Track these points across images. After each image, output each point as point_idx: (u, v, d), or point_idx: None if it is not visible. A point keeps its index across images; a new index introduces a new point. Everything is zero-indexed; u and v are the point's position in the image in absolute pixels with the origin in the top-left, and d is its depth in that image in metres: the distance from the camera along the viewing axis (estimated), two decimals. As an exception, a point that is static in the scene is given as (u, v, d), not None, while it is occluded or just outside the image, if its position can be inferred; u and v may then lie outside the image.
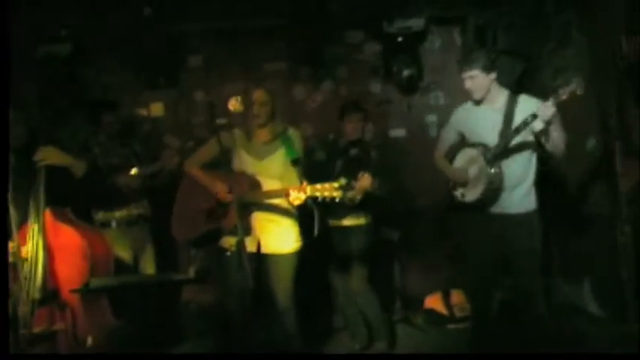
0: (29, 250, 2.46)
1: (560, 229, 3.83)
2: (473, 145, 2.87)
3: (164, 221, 2.92)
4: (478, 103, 2.84)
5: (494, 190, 2.74)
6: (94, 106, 3.54)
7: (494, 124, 2.75)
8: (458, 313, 3.73)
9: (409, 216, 4.08)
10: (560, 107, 2.51)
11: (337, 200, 2.43)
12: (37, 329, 2.40)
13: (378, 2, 3.90)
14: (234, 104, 2.75)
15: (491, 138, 2.75)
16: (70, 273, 2.52)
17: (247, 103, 2.77)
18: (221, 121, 2.75)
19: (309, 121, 4.20)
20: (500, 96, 2.80)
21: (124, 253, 3.28)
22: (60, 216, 2.61)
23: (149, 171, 3.34)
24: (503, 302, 3.33)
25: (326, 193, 2.42)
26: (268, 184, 2.73)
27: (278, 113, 2.85)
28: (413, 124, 4.25)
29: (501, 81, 2.87)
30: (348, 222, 3.34)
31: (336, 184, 2.42)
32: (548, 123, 2.52)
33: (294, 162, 2.66)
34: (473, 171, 2.83)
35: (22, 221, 2.51)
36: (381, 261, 3.75)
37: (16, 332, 2.32)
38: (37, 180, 2.52)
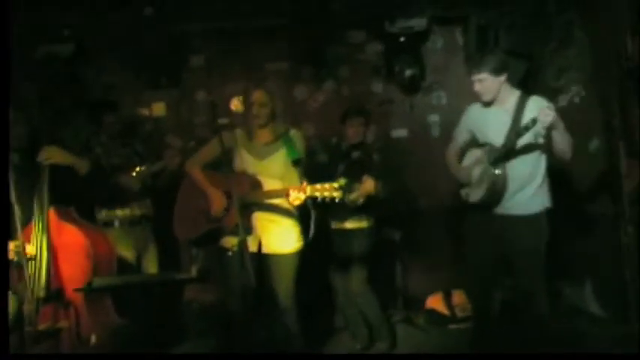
0: (33, 249, 2.47)
1: (563, 230, 3.83)
2: (480, 145, 2.86)
3: (167, 221, 2.93)
4: (488, 104, 2.82)
5: (497, 191, 2.73)
6: (96, 106, 3.55)
7: (502, 125, 2.73)
8: (459, 314, 3.73)
9: (411, 216, 4.08)
10: (563, 109, 2.50)
11: (337, 200, 2.43)
12: (41, 326, 2.42)
13: (380, 2, 3.90)
14: (236, 104, 2.75)
15: (499, 139, 2.73)
16: (74, 272, 2.54)
17: (247, 103, 2.78)
18: (223, 121, 2.76)
19: (310, 121, 4.20)
20: (511, 97, 2.77)
21: (127, 253, 3.29)
22: (64, 215, 2.63)
23: (152, 170, 3.35)
24: (505, 302, 3.34)
25: (326, 193, 2.43)
26: (269, 184, 2.73)
27: (280, 113, 2.85)
28: (415, 124, 4.25)
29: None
30: (350, 225, 3.35)
31: (335, 185, 2.42)
32: (549, 128, 2.49)
33: (295, 162, 2.66)
34: (477, 171, 2.83)
35: (27, 220, 2.52)
36: (383, 261, 3.75)
37: (21, 329, 2.34)
38: (40, 179, 2.53)
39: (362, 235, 3.33)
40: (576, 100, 2.35)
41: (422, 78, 4.11)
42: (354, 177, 3.13)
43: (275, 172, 2.77)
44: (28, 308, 2.39)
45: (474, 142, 2.93)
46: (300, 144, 2.82)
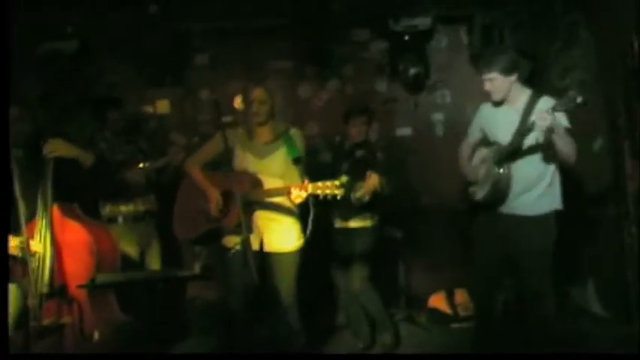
0: (37, 245, 2.48)
1: (567, 231, 3.82)
2: (489, 143, 2.85)
3: (170, 217, 2.94)
4: (499, 103, 2.80)
5: (500, 190, 2.71)
6: (100, 103, 3.57)
7: (511, 125, 2.70)
8: (462, 313, 3.73)
9: (414, 215, 4.08)
10: (568, 109, 2.46)
11: (338, 198, 2.43)
12: (46, 321, 2.43)
13: (383, 1, 3.89)
14: (238, 102, 2.76)
15: (506, 138, 2.71)
16: (77, 268, 2.55)
17: (247, 101, 2.78)
18: (227, 119, 2.75)
19: (315, 119, 4.21)
20: (522, 96, 2.74)
21: (131, 249, 3.31)
22: (67, 212, 2.64)
23: (155, 166, 3.36)
24: (507, 302, 3.33)
25: (327, 191, 2.42)
26: (270, 183, 2.73)
27: (281, 112, 2.86)
28: (419, 122, 4.24)
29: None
30: (354, 224, 3.35)
31: (337, 182, 2.41)
32: (548, 131, 2.45)
33: (296, 161, 2.65)
34: (483, 170, 2.82)
35: (31, 216, 2.53)
36: (385, 260, 3.75)
37: (26, 325, 2.36)
38: (45, 174, 2.52)
39: (365, 234, 3.33)
40: (579, 100, 2.33)
41: (426, 77, 4.11)
42: (358, 175, 3.13)
43: (275, 171, 2.77)
44: (32, 303, 2.40)
45: (485, 141, 2.91)
46: (300, 142, 2.81)
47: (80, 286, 2.49)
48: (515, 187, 2.71)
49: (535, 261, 2.73)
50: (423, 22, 3.89)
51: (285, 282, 2.80)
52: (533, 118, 2.51)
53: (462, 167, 2.98)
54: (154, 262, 3.45)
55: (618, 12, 3.44)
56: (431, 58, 4.11)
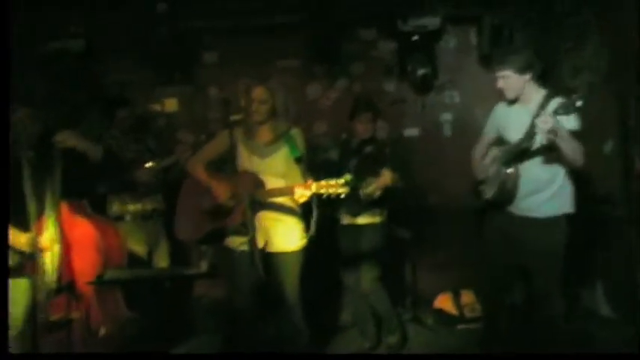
0: (46, 241, 2.50)
1: (576, 232, 3.79)
2: (500, 143, 2.83)
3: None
4: (512, 102, 2.77)
5: (507, 190, 2.70)
6: (108, 101, 3.59)
7: (522, 125, 2.66)
8: (468, 314, 3.71)
9: (421, 215, 4.06)
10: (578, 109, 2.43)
11: (342, 197, 2.41)
12: (54, 317, 2.45)
13: (392, 1, 3.88)
14: (243, 101, 2.76)
15: (517, 138, 2.68)
16: (85, 265, 2.57)
17: (248, 100, 2.75)
18: (235, 117, 2.75)
19: (323, 118, 4.20)
20: (536, 96, 2.70)
21: (138, 247, 3.33)
22: (76, 209, 2.66)
23: (163, 164, 3.38)
24: (514, 304, 3.31)
25: (331, 190, 2.41)
26: (272, 183, 2.71)
27: (281, 111, 2.77)
28: (427, 123, 4.23)
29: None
30: (362, 220, 3.32)
31: (341, 181, 2.40)
32: (550, 134, 2.40)
33: (297, 160, 2.64)
34: (492, 169, 2.81)
35: (40, 212, 2.55)
36: (392, 260, 3.74)
37: (34, 319, 2.38)
38: (54, 168, 2.52)
39: (374, 231, 3.30)
40: (578, 104, 2.30)
41: (434, 77, 4.10)
42: (367, 171, 3.12)
43: (277, 171, 2.74)
44: (40, 299, 2.42)
45: (499, 141, 2.88)
46: (301, 142, 2.77)
47: (88, 283, 2.51)
48: (523, 188, 2.69)
49: (543, 263, 2.71)
50: (431, 22, 3.86)
51: (290, 281, 2.78)
52: (536, 120, 2.47)
53: (475, 167, 2.96)
54: (162, 261, 3.47)
55: (629, 12, 3.41)
56: (439, 59, 4.10)
